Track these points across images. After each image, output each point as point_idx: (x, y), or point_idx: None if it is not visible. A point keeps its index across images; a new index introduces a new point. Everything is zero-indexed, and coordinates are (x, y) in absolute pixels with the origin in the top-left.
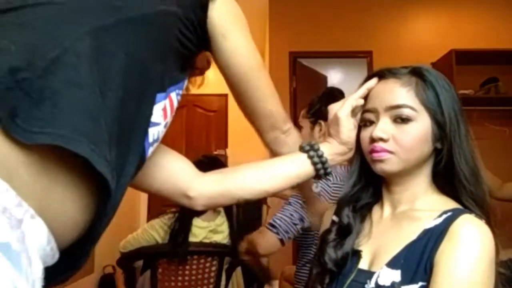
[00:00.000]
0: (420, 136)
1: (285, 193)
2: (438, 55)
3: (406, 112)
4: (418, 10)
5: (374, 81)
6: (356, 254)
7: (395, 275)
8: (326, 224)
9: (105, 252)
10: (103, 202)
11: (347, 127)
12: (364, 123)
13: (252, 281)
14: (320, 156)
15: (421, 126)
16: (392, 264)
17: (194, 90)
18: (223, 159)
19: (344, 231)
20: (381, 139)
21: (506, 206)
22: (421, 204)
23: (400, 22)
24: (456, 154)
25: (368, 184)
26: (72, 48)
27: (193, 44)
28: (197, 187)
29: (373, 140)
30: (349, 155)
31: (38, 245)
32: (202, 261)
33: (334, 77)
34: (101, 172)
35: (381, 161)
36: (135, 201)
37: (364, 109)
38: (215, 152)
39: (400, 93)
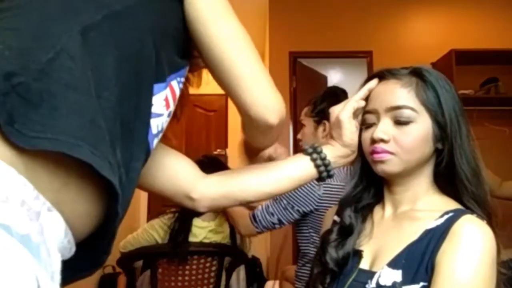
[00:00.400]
0: (421, 137)
1: (254, 204)
2: (438, 55)
3: (406, 113)
4: (418, 10)
5: (374, 82)
6: (357, 254)
7: (396, 275)
8: (327, 224)
9: None
10: (113, 200)
11: (349, 130)
12: (365, 124)
13: (252, 281)
14: (323, 159)
15: (422, 126)
16: (393, 264)
17: (194, 90)
18: (223, 159)
19: (345, 231)
20: (382, 140)
21: (507, 207)
22: (422, 204)
23: (400, 22)
24: (457, 155)
25: (370, 185)
26: (66, 49)
27: (184, 24)
28: (200, 189)
29: (373, 141)
30: (352, 157)
31: (57, 237)
32: (202, 261)
33: (334, 77)
34: (104, 175)
35: (382, 162)
36: (135, 201)
37: (365, 110)
38: (215, 152)
39: (400, 94)
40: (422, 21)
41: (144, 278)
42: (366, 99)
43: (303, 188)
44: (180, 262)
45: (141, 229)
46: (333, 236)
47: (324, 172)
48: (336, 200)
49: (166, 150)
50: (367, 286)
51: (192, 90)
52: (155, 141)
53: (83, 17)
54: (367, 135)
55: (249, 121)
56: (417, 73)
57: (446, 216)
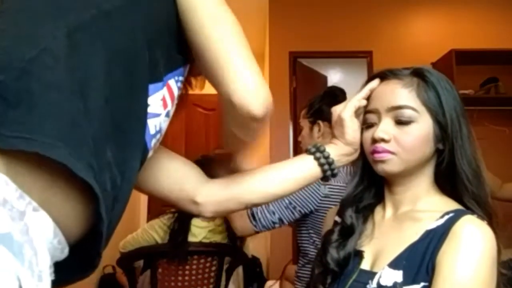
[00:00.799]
0: (422, 137)
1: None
2: (438, 55)
3: (407, 113)
4: (418, 10)
5: (376, 82)
6: (358, 255)
7: (397, 276)
8: (329, 225)
9: (105, 252)
10: (96, 203)
11: (352, 128)
12: (366, 124)
13: (252, 281)
14: (327, 158)
15: (423, 127)
16: (394, 264)
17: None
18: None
19: (346, 232)
20: (383, 140)
21: (508, 207)
22: (423, 205)
23: (400, 22)
24: (458, 155)
25: (371, 185)
26: (49, 49)
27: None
28: (205, 193)
29: (374, 140)
30: (355, 156)
31: (45, 237)
32: (202, 261)
33: (334, 77)
34: (81, 176)
35: (382, 161)
36: (135, 201)
37: (366, 110)
38: (215, 152)
39: (401, 94)
40: (422, 21)
41: (145, 278)
42: (367, 99)
43: (306, 188)
44: (180, 262)
45: (141, 229)
46: (335, 236)
47: (328, 171)
48: (336, 201)
49: (169, 155)
50: (367, 286)
51: (192, 91)
52: (154, 141)
53: (71, 17)
54: (368, 135)
55: (232, 110)
56: (418, 73)
57: (446, 217)
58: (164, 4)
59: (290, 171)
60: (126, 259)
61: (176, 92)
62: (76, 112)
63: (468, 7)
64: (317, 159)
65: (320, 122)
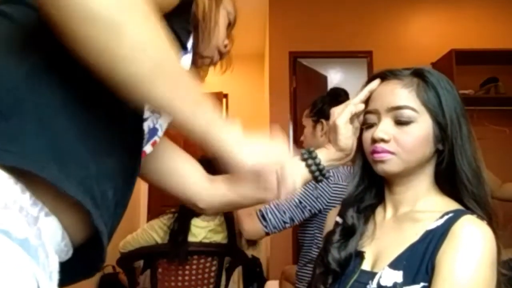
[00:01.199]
0: (421, 137)
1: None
2: (438, 55)
3: (407, 113)
4: (418, 10)
5: (376, 82)
6: (359, 255)
7: (397, 276)
8: (330, 225)
9: None
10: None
11: (345, 135)
12: (365, 124)
13: (252, 281)
14: (318, 164)
15: (422, 127)
16: (394, 265)
17: None
18: None
19: (348, 232)
20: (382, 140)
21: (508, 207)
22: (423, 205)
23: (400, 22)
24: (458, 155)
25: (371, 185)
26: (37, 64)
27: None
28: (206, 199)
29: (374, 140)
30: (347, 160)
31: (54, 240)
32: (202, 261)
33: (334, 77)
34: (70, 194)
35: (382, 161)
36: (135, 201)
37: (366, 110)
38: None
39: (401, 94)
40: (422, 21)
41: (145, 278)
42: (367, 100)
43: (317, 187)
44: (180, 262)
45: (141, 230)
46: (336, 237)
47: (319, 176)
48: None
49: (174, 153)
50: (368, 286)
51: None
52: (151, 141)
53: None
54: (368, 135)
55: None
56: (418, 73)
57: (446, 217)
58: None
59: None
60: (126, 259)
61: None
62: (64, 126)
63: (468, 7)
64: (308, 166)
65: (324, 121)
